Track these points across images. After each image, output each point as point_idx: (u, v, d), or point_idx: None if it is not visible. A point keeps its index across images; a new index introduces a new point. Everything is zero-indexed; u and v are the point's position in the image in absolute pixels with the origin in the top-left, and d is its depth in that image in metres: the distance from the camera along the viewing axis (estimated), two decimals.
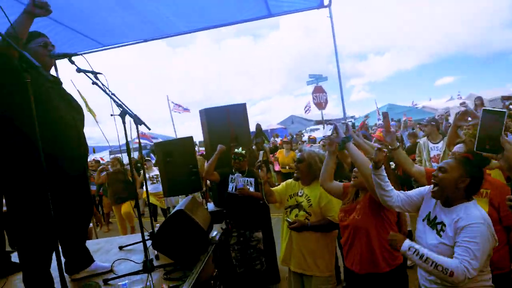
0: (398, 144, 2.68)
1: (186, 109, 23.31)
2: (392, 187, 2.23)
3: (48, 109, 2.36)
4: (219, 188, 4.46)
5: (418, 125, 10.82)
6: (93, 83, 2.61)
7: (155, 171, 8.08)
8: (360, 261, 2.49)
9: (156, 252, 3.05)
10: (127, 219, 7.27)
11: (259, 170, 3.17)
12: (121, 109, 2.56)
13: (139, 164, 9.78)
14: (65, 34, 4.01)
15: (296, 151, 9.92)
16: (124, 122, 2.58)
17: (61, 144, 2.43)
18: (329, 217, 2.93)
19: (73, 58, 2.63)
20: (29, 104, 2.04)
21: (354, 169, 2.64)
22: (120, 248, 3.55)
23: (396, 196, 2.20)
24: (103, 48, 4.64)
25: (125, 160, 12.07)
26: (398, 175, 3.46)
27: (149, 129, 2.99)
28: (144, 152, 15.72)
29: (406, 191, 2.28)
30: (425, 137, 5.49)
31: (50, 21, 3.75)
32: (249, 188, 4.03)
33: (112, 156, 10.95)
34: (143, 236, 2.61)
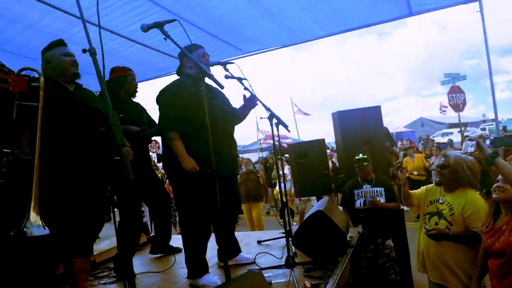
0: None
1: (305, 113, 23.57)
2: None
3: (205, 113, 2.61)
4: (344, 204, 4.34)
5: None
6: (245, 88, 2.86)
7: (285, 170, 8.31)
8: None
9: (293, 249, 3.18)
10: (256, 223, 7.57)
11: (399, 172, 3.05)
12: (269, 113, 2.75)
13: (268, 164, 10.25)
14: (214, 43, 4.45)
15: (434, 157, 9.24)
16: (272, 125, 2.75)
17: (214, 147, 2.65)
18: (473, 228, 2.67)
19: (225, 66, 2.93)
20: (195, 113, 2.36)
21: (498, 183, 2.36)
22: (259, 242, 3.79)
23: None
24: (244, 55, 5.00)
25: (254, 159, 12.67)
26: None
27: (289, 131, 3.13)
28: (266, 153, 16.35)
29: None
30: None
31: (202, 32, 4.19)
32: (379, 200, 3.90)
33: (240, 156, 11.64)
34: (286, 233, 2.75)
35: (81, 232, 2.41)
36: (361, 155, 4.04)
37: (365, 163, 3.99)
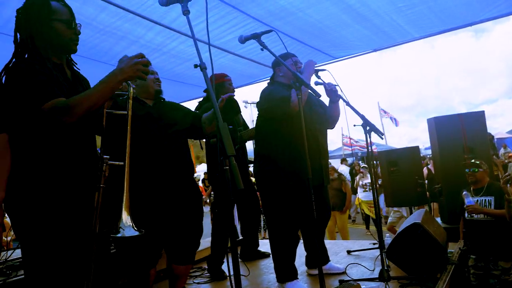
0: None
1: (392, 118, 22.54)
2: None
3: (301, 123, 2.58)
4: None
5: None
6: (335, 94, 2.85)
7: (369, 179, 7.99)
8: None
9: (386, 262, 3.04)
10: (340, 232, 7.28)
11: (508, 185, 2.78)
12: (363, 120, 2.68)
13: (354, 171, 9.99)
14: (303, 50, 4.49)
15: None
16: (366, 132, 2.68)
17: (303, 156, 2.61)
18: None
19: (317, 72, 2.93)
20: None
21: None
22: (348, 252, 3.70)
23: None
24: (333, 61, 4.96)
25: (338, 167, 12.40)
26: None
27: (382, 138, 3.01)
28: (352, 159, 15.93)
29: None
30: None
31: (292, 40, 4.23)
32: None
33: None
34: (381, 245, 2.65)
35: (183, 242, 2.50)
36: (473, 160, 3.69)
37: (475, 169, 3.61)
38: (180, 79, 5.07)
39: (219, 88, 3.57)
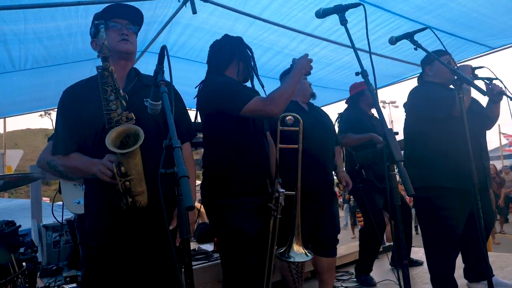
0: None
1: None
2: None
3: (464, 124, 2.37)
4: None
5: None
6: (501, 93, 2.56)
7: None
8: None
9: None
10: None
11: None
12: None
13: None
14: (454, 43, 4.13)
15: None
16: None
17: (461, 158, 2.40)
18: None
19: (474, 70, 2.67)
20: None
21: None
22: None
23: None
24: (491, 51, 4.43)
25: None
26: None
27: None
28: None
29: None
30: None
31: (441, 34, 3.93)
32: None
33: None
34: None
35: (327, 234, 2.71)
36: None
37: None
38: (321, 83, 5.16)
39: (360, 95, 3.60)
